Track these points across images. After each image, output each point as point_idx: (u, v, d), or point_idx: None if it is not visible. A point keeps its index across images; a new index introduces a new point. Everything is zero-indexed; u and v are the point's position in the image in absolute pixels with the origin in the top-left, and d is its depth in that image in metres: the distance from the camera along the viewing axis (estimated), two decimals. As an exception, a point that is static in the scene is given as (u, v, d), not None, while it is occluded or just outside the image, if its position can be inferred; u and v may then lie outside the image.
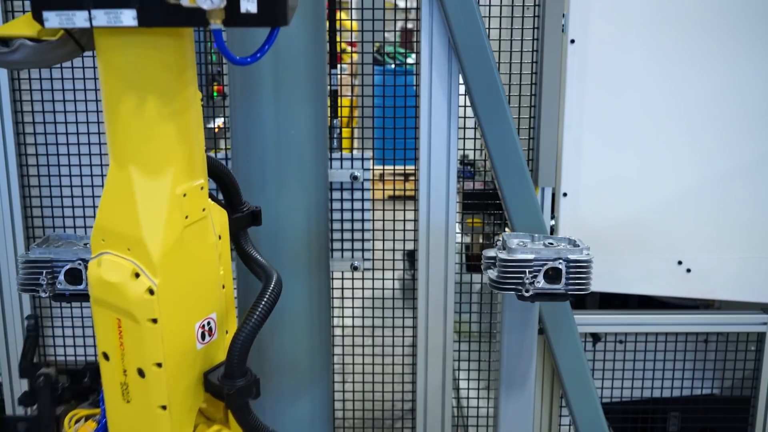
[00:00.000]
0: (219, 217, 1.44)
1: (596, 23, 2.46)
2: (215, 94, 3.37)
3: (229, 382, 1.35)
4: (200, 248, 1.35)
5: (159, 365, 1.30)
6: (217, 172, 1.51)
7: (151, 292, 1.27)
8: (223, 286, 1.43)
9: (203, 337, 1.37)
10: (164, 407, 1.32)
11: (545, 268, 1.92)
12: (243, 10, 1.16)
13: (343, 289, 2.76)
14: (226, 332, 1.44)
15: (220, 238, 1.42)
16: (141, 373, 1.32)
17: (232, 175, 1.56)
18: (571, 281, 1.93)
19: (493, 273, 1.98)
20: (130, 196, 1.27)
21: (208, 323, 1.38)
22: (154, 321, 1.28)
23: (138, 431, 1.37)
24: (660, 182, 2.58)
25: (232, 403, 1.36)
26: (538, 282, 1.92)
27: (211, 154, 2.61)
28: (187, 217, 1.31)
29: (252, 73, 2.03)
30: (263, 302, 1.39)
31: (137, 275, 1.27)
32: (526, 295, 1.92)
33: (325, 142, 2.25)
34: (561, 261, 1.91)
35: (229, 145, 2.24)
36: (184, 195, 1.30)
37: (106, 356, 1.40)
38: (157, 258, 1.26)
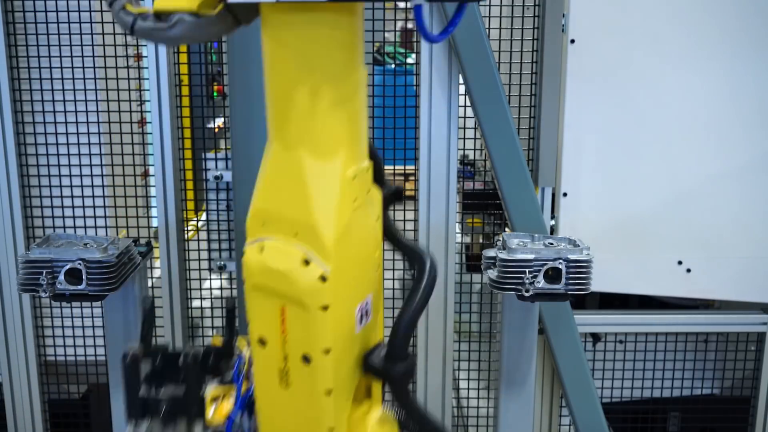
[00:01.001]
0: (377, 197, 1.37)
1: (596, 23, 2.46)
2: (215, 94, 3.37)
3: (392, 364, 1.29)
4: (364, 230, 1.29)
5: (327, 351, 1.23)
6: None
7: (323, 279, 1.19)
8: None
9: (361, 319, 1.30)
10: (329, 392, 1.26)
11: (545, 268, 1.92)
12: None
13: (343, 289, 2.76)
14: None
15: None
16: (306, 359, 1.25)
17: (376, 150, 1.44)
18: (571, 281, 1.93)
19: (493, 273, 1.98)
20: (299, 179, 1.19)
21: (366, 305, 1.32)
22: (325, 308, 1.21)
23: (298, 416, 1.31)
24: (660, 182, 2.58)
25: (396, 385, 1.31)
26: (538, 282, 1.92)
27: (211, 154, 2.62)
28: (355, 199, 1.24)
29: (252, 73, 2.03)
30: (424, 285, 1.32)
31: (307, 262, 1.20)
32: (526, 295, 1.92)
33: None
34: (561, 261, 1.92)
35: (229, 145, 2.24)
36: (354, 177, 1.23)
37: (262, 342, 1.29)
38: (330, 243, 1.19)
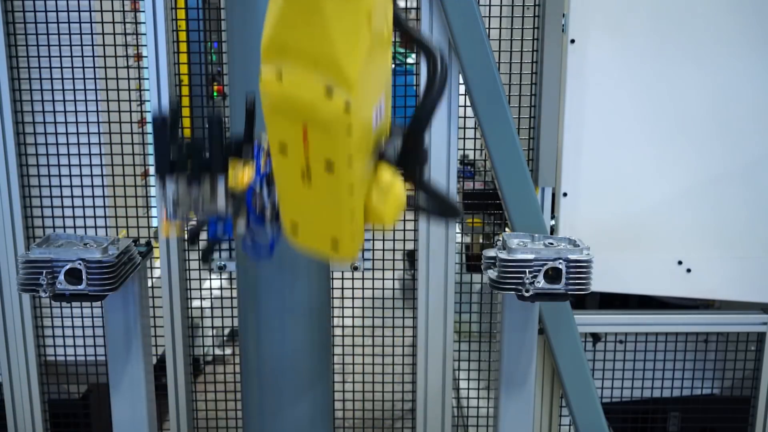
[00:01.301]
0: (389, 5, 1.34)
1: (596, 23, 2.46)
2: (215, 94, 3.37)
3: (408, 153, 1.32)
4: (381, 45, 1.27)
5: (349, 158, 1.24)
6: None
7: (347, 106, 1.18)
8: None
9: (376, 118, 1.32)
10: (350, 189, 1.29)
11: (545, 268, 1.92)
12: None
13: (343, 289, 2.76)
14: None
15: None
16: (329, 166, 1.26)
17: None
18: (571, 281, 1.93)
19: (493, 273, 1.98)
20: (319, 9, 1.16)
21: (380, 104, 1.33)
22: (348, 130, 1.21)
23: (319, 206, 1.34)
24: (660, 182, 2.58)
25: (411, 170, 1.33)
26: (538, 282, 1.92)
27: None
28: (374, 25, 1.22)
29: (252, 73, 2.03)
30: (438, 81, 1.30)
31: (330, 91, 1.18)
32: (526, 295, 1.92)
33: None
34: (561, 261, 1.91)
35: (229, 145, 2.24)
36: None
37: (282, 150, 1.29)
38: (353, 75, 1.17)
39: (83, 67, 2.61)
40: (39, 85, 2.63)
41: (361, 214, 1.38)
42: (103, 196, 2.71)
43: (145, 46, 2.53)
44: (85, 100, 2.64)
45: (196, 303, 2.90)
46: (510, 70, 2.57)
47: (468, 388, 3.04)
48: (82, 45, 2.60)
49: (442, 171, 2.54)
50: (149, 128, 2.61)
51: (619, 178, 2.55)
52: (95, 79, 2.63)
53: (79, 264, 1.91)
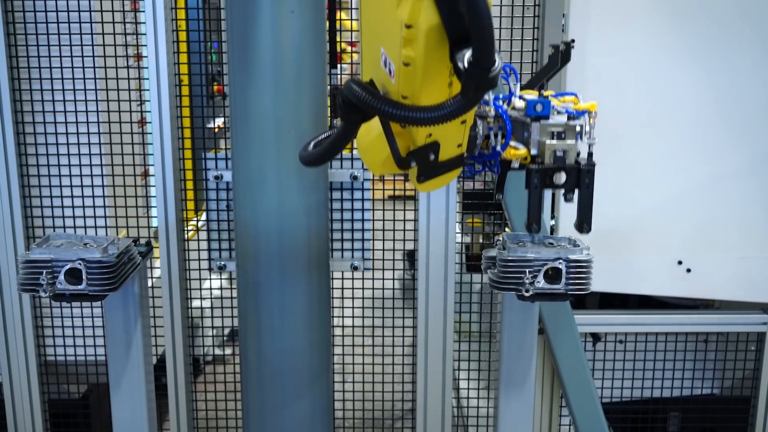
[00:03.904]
0: None
1: (596, 23, 2.46)
2: (215, 94, 3.37)
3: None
4: None
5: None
6: None
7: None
8: None
9: None
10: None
11: (545, 268, 1.91)
12: None
13: (343, 289, 2.76)
14: None
15: None
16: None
17: None
18: (571, 281, 1.92)
19: (493, 273, 1.98)
20: None
21: None
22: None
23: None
24: (660, 182, 2.58)
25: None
26: (538, 282, 1.92)
27: (211, 154, 2.62)
28: None
29: (252, 73, 2.03)
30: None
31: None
32: (526, 295, 1.92)
33: (326, 141, 2.24)
34: (561, 261, 1.91)
35: (229, 145, 2.24)
36: None
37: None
38: None
39: (83, 67, 2.61)
40: (39, 85, 2.63)
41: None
42: (103, 196, 2.71)
43: (145, 46, 2.53)
44: (85, 100, 2.64)
45: (196, 303, 2.90)
46: (510, 70, 2.57)
47: (468, 388, 3.04)
48: (82, 45, 2.60)
49: (442, 171, 2.54)
50: (149, 128, 2.61)
51: (619, 177, 2.55)
52: (95, 79, 2.63)
53: (79, 264, 1.91)
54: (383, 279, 2.79)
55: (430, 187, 1.51)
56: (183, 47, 2.66)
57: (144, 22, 2.52)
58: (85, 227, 2.70)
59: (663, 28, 2.47)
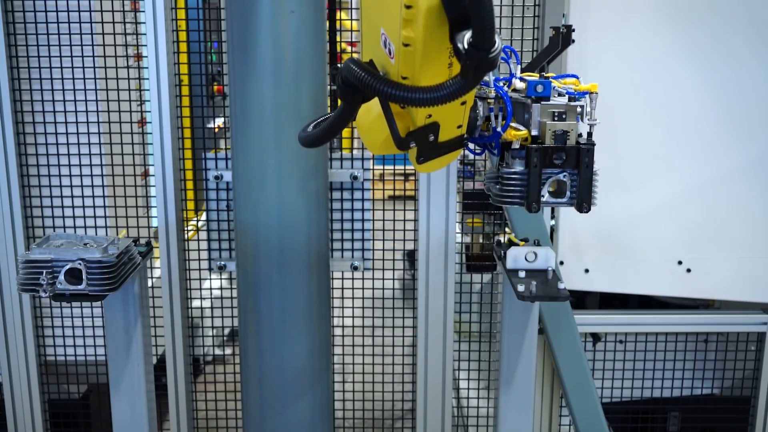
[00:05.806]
0: None
1: (596, 23, 2.45)
2: (215, 94, 3.37)
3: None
4: None
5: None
6: None
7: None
8: None
9: None
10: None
11: (550, 180, 1.73)
12: None
13: (343, 289, 2.76)
14: None
15: None
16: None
17: None
18: (574, 193, 1.76)
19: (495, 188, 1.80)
20: None
21: None
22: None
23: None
24: (660, 182, 2.58)
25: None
26: (542, 197, 1.75)
27: (211, 154, 2.62)
28: None
29: (252, 73, 2.03)
30: None
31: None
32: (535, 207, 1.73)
33: (326, 141, 2.24)
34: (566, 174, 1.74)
35: (229, 145, 2.24)
36: None
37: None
38: None
39: (83, 67, 2.61)
40: (39, 85, 2.63)
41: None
42: (103, 196, 2.71)
43: (145, 46, 2.53)
44: (85, 100, 2.64)
45: (196, 303, 2.90)
46: (510, 70, 2.57)
47: (468, 388, 3.04)
48: (82, 45, 2.60)
49: (442, 171, 2.54)
50: (149, 128, 2.61)
51: (620, 177, 2.55)
52: (95, 79, 2.63)
53: (79, 264, 1.91)
54: (383, 279, 2.79)
55: (430, 168, 1.51)
56: (183, 47, 2.66)
57: (144, 22, 2.52)
58: (85, 227, 2.70)
59: (663, 28, 2.47)
